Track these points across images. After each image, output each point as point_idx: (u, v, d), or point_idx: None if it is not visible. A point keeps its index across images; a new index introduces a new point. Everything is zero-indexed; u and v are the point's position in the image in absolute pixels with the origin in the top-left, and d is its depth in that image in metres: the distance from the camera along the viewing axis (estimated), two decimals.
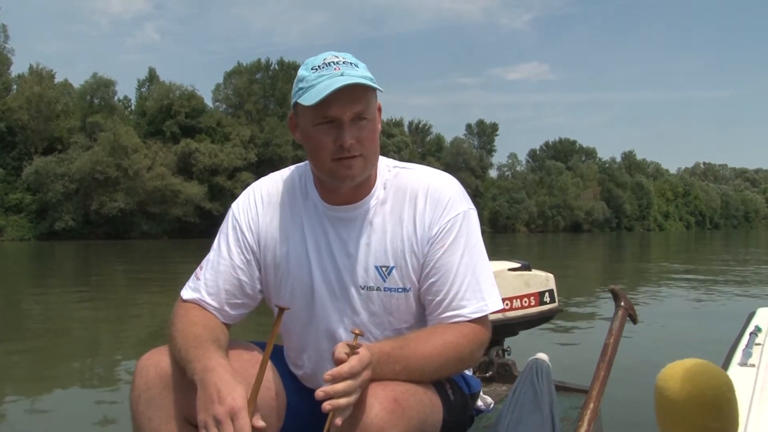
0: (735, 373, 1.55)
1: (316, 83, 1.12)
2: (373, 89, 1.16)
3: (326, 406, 0.97)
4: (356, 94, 1.12)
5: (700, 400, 0.69)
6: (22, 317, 7.02)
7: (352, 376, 0.98)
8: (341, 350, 1.01)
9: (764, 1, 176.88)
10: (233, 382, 1.02)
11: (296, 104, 1.17)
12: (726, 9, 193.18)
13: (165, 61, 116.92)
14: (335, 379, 0.97)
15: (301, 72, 1.18)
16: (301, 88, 1.15)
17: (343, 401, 0.97)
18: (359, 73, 1.14)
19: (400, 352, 1.10)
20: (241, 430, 0.97)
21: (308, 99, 1.12)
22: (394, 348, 1.10)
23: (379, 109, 1.22)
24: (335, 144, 1.13)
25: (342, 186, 1.20)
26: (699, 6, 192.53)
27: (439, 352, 1.14)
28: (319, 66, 1.14)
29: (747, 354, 1.66)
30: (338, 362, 1.00)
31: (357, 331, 1.04)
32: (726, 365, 1.64)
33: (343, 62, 1.15)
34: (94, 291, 10.14)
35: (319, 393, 0.97)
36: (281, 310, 1.08)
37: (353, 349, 1.01)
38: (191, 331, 1.16)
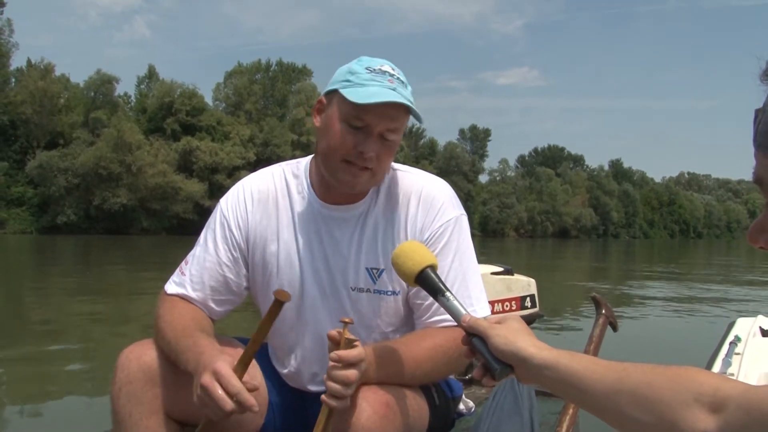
0: None
1: (367, 84, 1.14)
2: (408, 114, 1.17)
3: (328, 402, 0.99)
4: (397, 112, 1.15)
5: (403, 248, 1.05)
6: (21, 309, 6.98)
7: (358, 361, 1.00)
8: (336, 334, 1.02)
9: (750, 13, 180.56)
10: (222, 356, 1.04)
11: (335, 93, 1.17)
12: (712, 19, 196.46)
13: (153, 56, 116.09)
14: (342, 360, 0.99)
15: (354, 65, 1.18)
16: (349, 81, 1.15)
17: (341, 390, 0.98)
18: (407, 96, 1.16)
19: (392, 355, 1.11)
20: (228, 385, 0.98)
21: (355, 96, 1.12)
22: (386, 350, 1.11)
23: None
24: (355, 149, 1.14)
25: (338, 187, 1.21)
26: (686, 17, 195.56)
27: (430, 356, 1.15)
28: (374, 69, 1.16)
29: (726, 363, 1.67)
30: (333, 340, 1.02)
31: (347, 320, 1.03)
32: None
33: (398, 78, 1.17)
34: (93, 284, 10.06)
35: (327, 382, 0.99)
36: (280, 302, 1.03)
37: (350, 343, 1.01)
38: (180, 323, 1.17)
